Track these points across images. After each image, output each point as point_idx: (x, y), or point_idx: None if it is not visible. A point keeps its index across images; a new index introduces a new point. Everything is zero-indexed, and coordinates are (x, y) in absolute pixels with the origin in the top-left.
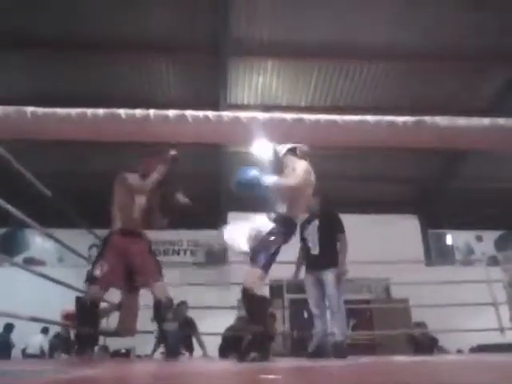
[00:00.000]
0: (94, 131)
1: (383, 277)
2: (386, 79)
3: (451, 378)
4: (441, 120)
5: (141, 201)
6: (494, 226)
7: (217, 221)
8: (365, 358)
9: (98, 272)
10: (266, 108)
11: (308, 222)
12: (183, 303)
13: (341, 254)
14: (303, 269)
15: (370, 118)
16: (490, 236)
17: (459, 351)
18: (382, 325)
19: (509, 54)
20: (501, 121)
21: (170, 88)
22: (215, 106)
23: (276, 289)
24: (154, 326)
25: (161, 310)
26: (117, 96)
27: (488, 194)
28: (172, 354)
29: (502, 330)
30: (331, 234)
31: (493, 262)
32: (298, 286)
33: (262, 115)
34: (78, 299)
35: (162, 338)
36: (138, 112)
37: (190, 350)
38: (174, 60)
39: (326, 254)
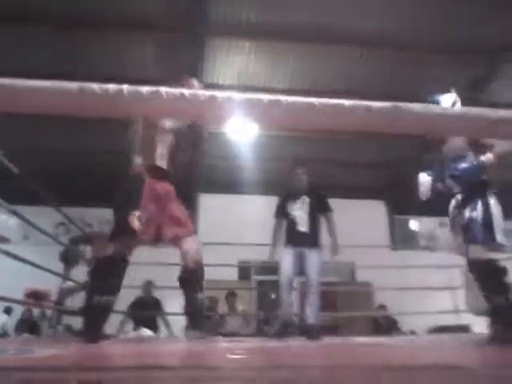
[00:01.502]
0: (67, 105)
1: (349, 260)
2: (364, 65)
3: (406, 357)
4: (416, 106)
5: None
6: None
7: (188, 203)
8: (329, 338)
9: (135, 224)
10: (244, 89)
11: (294, 197)
12: (150, 283)
13: (332, 232)
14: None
15: (346, 102)
16: None
17: (412, 332)
18: (346, 307)
19: (480, 48)
20: (473, 110)
21: (148, 67)
22: None
23: (244, 270)
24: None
25: (191, 278)
26: (93, 74)
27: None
28: (198, 327)
29: (457, 312)
30: (320, 212)
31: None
32: (265, 268)
33: (238, 95)
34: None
35: (190, 310)
36: (112, 87)
37: (155, 329)
38: (151, 39)
39: (315, 232)
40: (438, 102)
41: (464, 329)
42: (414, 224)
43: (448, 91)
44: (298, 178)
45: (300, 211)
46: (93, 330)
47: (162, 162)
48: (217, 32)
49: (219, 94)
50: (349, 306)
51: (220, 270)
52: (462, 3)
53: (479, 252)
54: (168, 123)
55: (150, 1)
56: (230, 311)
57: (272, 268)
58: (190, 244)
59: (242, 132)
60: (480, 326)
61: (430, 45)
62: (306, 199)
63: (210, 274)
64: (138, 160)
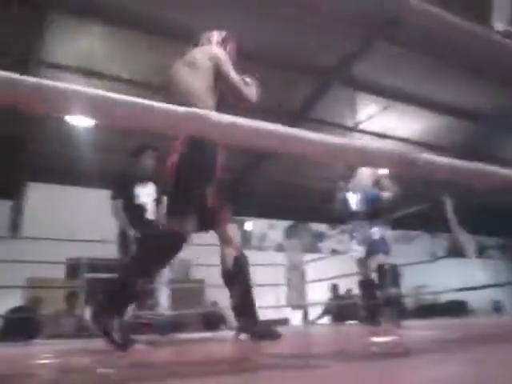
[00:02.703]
0: None
1: (185, 258)
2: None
3: (229, 349)
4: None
5: None
6: (284, 216)
7: (14, 191)
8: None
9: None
10: (87, 73)
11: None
12: None
13: None
14: None
15: (181, 109)
16: (281, 225)
17: None
18: (179, 303)
19: (317, 66)
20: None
21: None
22: (24, 62)
23: (72, 268)
24: None
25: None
26: None
27: (282, 187)
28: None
29: (279, 307)
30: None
31: (280, 248)
32: (96, 265)
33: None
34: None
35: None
36: None
37: None
38: None
39: None
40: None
41: (284, 322)
42: (248, 225)
43: None
44: (145, 163)
45: (148, 198)
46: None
47: None
48: (61, 9)
49: (46, 83)
50: (182, 303)
51: (45, 268)
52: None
53: (381, 259)
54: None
55: None
56: (69, 312)
57: (104, 265)
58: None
59: (78, 118)
60: (296, 319)
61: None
62: (152, 186)
63: (35, 271)
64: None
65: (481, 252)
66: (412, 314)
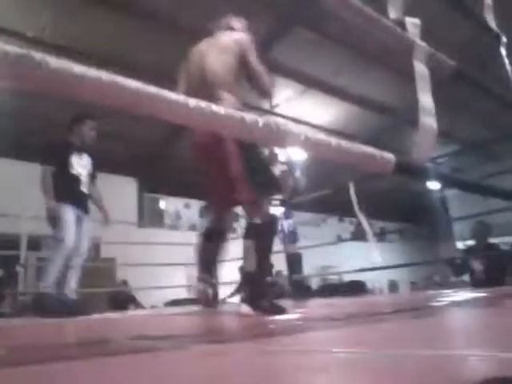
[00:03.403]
0: None
1: (94, 235)
2: (121, 32)
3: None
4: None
5: None
6: (199, 195)
7: None
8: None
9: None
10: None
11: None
12: None
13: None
14: None
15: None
16: (196, 205)
17: (153, 306)
18: (88, 282)
19: None
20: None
21: None
22: None
23: None
24: None
25: None
26: None
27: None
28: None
29: (189, 287)
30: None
31: (194, 227)
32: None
33: None
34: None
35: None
36: None
37: None
38: None
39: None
40: None
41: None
42: (162, 203)
43: None
44: (84, 132)
45: (82, 169)
46: None
47: None
48: None
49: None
50: (91, 282)
51: None
52: None
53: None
54: None
55: None
56: None
57: (1, 241)
58: None
59: None
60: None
61: None
62: (88, 158)
63: None
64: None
65: (381, 236)
66: (318, 293)
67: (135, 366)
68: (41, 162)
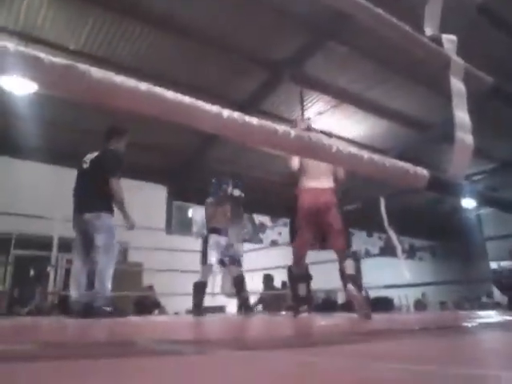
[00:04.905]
0: None
1: (123, 240)
2: (162, 49)
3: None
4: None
5: None
6: None
7: None
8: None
9: None
10: (28, 39)
11: None
12: None
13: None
14: None
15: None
16: None
17: (176, 313)
18: (115, 286)
19: (264, 58)
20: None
21: None
22: None
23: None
24: None
25: None
26: None
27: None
28: None
29: (213, 294)
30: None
31: None
32: (27, 241)
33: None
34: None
35: None
36: None
37: None
38: None
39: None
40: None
41: (220, 309)
42: (190, 211)
43: None
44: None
45: None
46: None
47: None
48: None
49: None
50: (119, 286)
51: None
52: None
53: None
54: None
55: None
56: None
57: (35, 242)
58: None
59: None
60: (232, 307)
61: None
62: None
63: None
64: None
65: (411, 253)
66: (343, 308)
67: (156, 368)
68: (111, 173)
